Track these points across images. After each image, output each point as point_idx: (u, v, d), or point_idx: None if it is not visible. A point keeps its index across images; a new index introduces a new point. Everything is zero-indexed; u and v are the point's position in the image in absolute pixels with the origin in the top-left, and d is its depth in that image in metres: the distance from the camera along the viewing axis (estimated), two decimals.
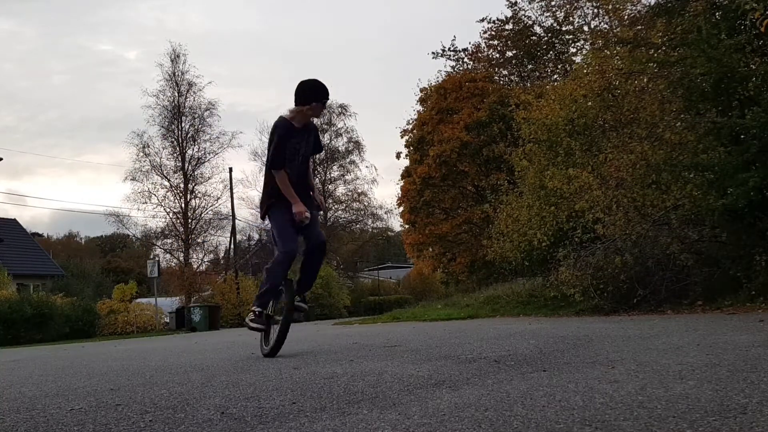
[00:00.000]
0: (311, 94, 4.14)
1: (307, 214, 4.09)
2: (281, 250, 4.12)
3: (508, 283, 14.06)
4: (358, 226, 42.40)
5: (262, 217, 4.40)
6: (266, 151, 4.35)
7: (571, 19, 21.79)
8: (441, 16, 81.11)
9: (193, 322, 21.45)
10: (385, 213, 40.77)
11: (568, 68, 18.15)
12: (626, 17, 15.71)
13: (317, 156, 39.33)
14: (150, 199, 30.48)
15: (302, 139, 4.23)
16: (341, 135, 39.91)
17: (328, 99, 4.24)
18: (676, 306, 7.12)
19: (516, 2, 22.45)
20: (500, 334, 5.17)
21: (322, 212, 3.88)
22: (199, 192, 31.14)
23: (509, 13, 22.86)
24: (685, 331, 4.35)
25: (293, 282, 4.33)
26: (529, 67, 22.98)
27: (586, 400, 2.04)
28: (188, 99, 31.18)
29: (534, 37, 22.59)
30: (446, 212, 23.50)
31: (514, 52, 23.34)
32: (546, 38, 22.33)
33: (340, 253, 40.56)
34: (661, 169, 7.97)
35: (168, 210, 30.82)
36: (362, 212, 41.08)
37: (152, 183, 30.60)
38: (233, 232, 29.30)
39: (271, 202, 4.25)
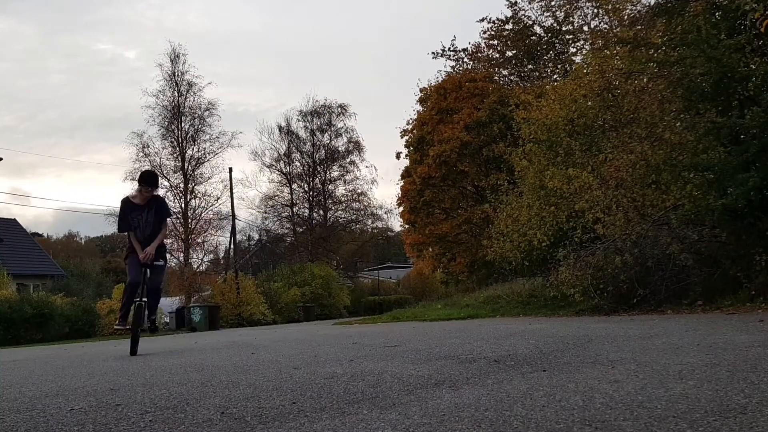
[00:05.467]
0: (140, 179, 5.92)
1: (151, 255, 5.75)
2: (129, 279, 5.81)
3: (508, 283, 14.05)
4: (358, 226, 42.38)
5: (124, 261, 6.11)
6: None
7: (571, 19, 21.80)
8: (441, 16, 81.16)
9: (193, 322, 21.45)
10: (385, 213, 40.79)
11: (568, 68, 18.15)
12: (626, 17, 15.73)
13: (317, 156, 39.55)
14: None
15: (143, 211, 5.85)
16: (341, 135, 39.90)
17: (149, 186, 5.86)
18: (676, 306, 7.12)
19: (516, 2, 22.46)
20: (500, 334, 5.17)
21: (164, 263, 6.19)
22: (199, 192, 31.13)
23: (509, 13, 22.88)
24: (685, 331, 4.35)
25: (144, 307, 5.80)
26: (529, 67, 22.98)
27: (586, 400, 2.04)
28: (188, 99, 31.18)
29: (534, 37, 22.58)
30: (446, 212, 23.51)
31: (514, 52, 23.33)
32: (546, 38, 22.32)
33: (340, 253, 40.54)
34: (661, 169, 7.97)
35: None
36: (362, 212, 41.06)
37: None
38: (233, 232, 29.29)
39: (129, 251, 5.96)
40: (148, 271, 5.84)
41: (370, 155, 75.53)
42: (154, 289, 5.91)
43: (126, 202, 5.93)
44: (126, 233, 5.99)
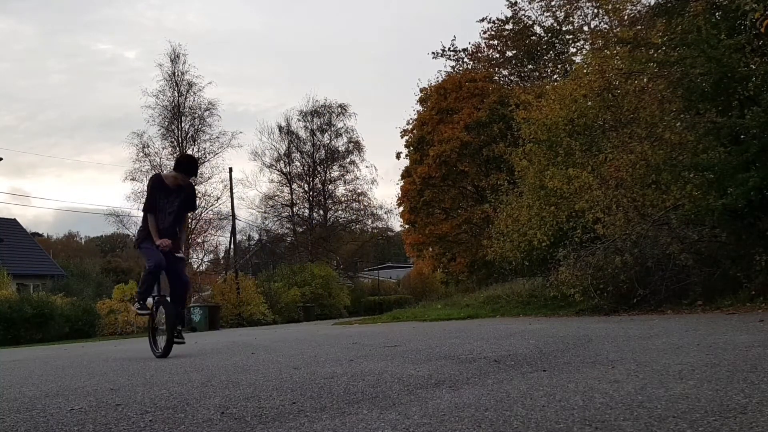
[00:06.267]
0: (181, 165, 5.27)
1: (168, 243, 5.15)
2: (149, 264, 5.12)
3: (508, 283, 14.05)
4: (358, 226, 42.38)
5: (137, 247, 5.44)
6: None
7: (571, 19, 21.81)
8: (441, 16, 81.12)
9: (193, 322, 21.43)
10: (385, 213, 40.80)
11: (568, 68, 18.15)
12: (626, 17, 15.74)
13: (317, 156, 39.54)
14: None
15: (170, 195, 5.24)
16: (341, 135, 39.91)
17: (189, 175, 5.27)
18: (676, 306, 7.12)
19: (516, 2, 22.47)
20: (500, 334, 5.18)
21: (182, 257, 5.41)
22: (199, 192, 31.14)
23: (509, 13, 22.89)
24: (685, 331, 4.35)
25: (169, 305, 5.16)
26: (529, 67, 22.98)
27: (586, 400, 2.04)
28: (188, 99, 31.27)
29: (534, 37, 22.58)
30: (446, 212, 23.51)
31: (514, 52, 23.33)
32: (546, 38, 22.33)
33: (340, 253, 40.53)
34: (661, 169, 7.97)
35: None
36: (362, 212, 41.07)
37: None
38: (233, 232, 29.30)
39: (143, 236, 5.26)
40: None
41: (370, 155, 75.37)
42: (185, 283, 5.30)
43: (158, 180, 5.26)
44: (146, 216, 5.26)
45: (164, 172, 5.54)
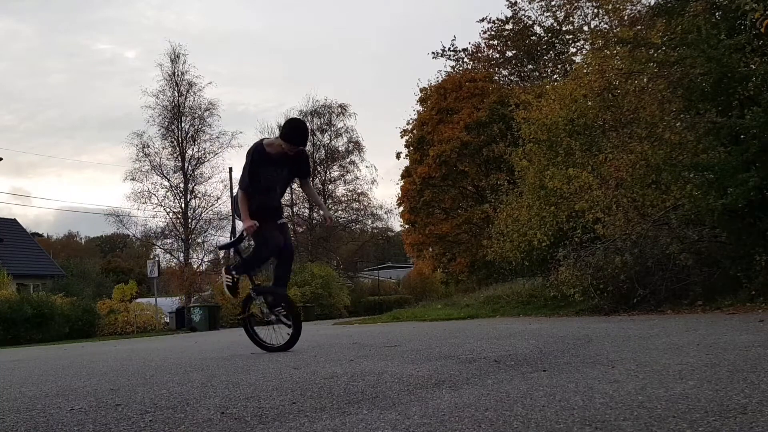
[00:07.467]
0: (290, 133, 4.42)
1: (254, 229, 4.53)
2: (272, 243, 4.63)
3: (508, 283, 14.07)
4: (358, 226, 42.35)
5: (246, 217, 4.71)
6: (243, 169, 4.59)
7: (571, 19, 21.78)
8: (441, 16, 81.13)
9: (193, 322, 21.44)
10: (385, 213, 40.74)
11: (568, 68, 18.13)
12: (626, 17, 15.69)
13: (317, 156, 39.50)
14: (150, 199, 30.53)
15: (277, 168, 4.52)
16: (341, 135, 39.84)
17: (299, 146, 4.48)
18: (676, 306, 7.13)
19: (516, 2, 22.47)
20: (500, 334, 5.18)
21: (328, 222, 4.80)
22: (199, 192, 31.16)
23: (509, 13, 22.89)
24: (685, 331, 4.35)
25: (288, 297, 4.94)
26: (529, 67, 22.98)
27: (586, 400, 2.04)
28: (188, 99, 31.18)
29: (534, 37, 22.58)
30: (446, 212, 23.51)
31: (514, 52, 23.34)
32: (546, 38, 22.32)
33: (340, 253, 40.51)
34: (661, 169, 7.97)
35: (168, 210, 30.84)
36: (362, 212, 41.03)
37: (152, 183, 30.64)
38: (233, 232, 29.24)
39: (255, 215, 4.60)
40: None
41: (370, 155, 75.31)
42: (292, 252, 4.94)
43: (260, 152, 4.40)
44: (243, 191, 4.52)
45: (268, 137, 4.72)
